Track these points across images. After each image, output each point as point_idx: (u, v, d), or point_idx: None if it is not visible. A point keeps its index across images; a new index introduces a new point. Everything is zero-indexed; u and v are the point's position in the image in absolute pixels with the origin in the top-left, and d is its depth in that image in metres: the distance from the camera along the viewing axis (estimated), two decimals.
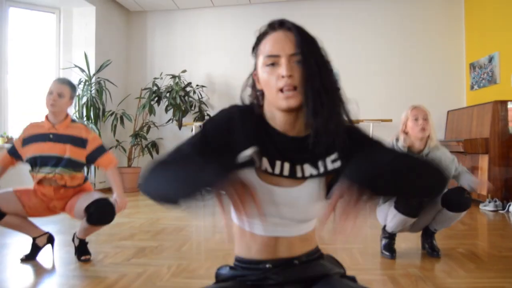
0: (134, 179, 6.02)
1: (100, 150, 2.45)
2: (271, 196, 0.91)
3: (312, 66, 0.86)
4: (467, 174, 2.41)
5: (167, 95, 5.94)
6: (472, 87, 5.54)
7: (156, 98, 6.05)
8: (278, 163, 0.92)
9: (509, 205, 4.03)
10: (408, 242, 2.74)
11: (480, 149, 4.41)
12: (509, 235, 3.04)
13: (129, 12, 6.70)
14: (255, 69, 0.97)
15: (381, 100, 5.76)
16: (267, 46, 0.91)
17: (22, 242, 2.74)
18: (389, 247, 2.44)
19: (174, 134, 6.42)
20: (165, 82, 6.17)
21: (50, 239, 2.52)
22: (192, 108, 6.07)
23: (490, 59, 5.04)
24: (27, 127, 2.43)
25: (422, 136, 2.39)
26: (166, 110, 6.03)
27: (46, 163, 2.32)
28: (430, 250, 2.46)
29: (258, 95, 0.99)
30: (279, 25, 0.92)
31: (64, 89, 2.35)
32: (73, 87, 2.44)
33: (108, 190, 6.00)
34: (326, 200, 0.97)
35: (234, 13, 6.34)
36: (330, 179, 0.97)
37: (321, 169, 0.93)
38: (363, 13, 6.04)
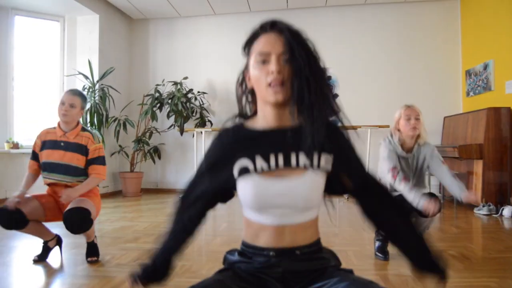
0: (137, 183, 6.14)
1: (98, 160, 2.53)
2: (273, 188, 1.00)
3: (299, 65, 0.96)
4: (455, 181, 2.48)
5: (169, 101, 6.07)
6: (468, 94, 5.66)
7: (158, 105, 6.18)
8: (272, 156, 1.01)
9: (503, 209, 4.14)
10: None
11: (474, 155, 4.53)
12: (500, 238, 3.15)
13: (131, 20, 6.84)
14: (246, 68, 1.07)
15: (379, 107, 5.89)
16: (259, 45, 1.00)
17: (27, 245, 2.86)
18: (382, 249, 2.56)
19: (175, 139, 6.55)
20: (167, 89, 6.31)
21: (59, 241, 2.64)
22: (194, 114, 6.19)
23: (485, 67, 5.17)
24: (42, 133, 2.57)
25: (413, 135, 2.54)
26: (168, 116, 6.15)
27: (55, 169, 2.45)
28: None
29: (247, 94, 1.09)
30: (271, 26, 1.02)
31: (75, 100, 2.50)
32: (84, 98, 2.59)
33: (111, 195, 6.12)
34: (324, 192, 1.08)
35: (234, 20, 6.48)
36: (329, 174, 1.06)
37: (315, 162, 1.01)
38: (361, 21, 6.18)
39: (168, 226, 1.13)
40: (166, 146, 6.63)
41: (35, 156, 2.55)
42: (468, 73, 5.63)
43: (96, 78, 5.77)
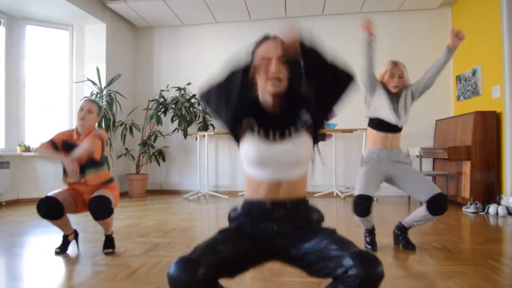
0: (142, 185, 6.40)
1: (91, 137, 2.75)
2: (271, 149, 1.31)
3: (292, 67, 1.30)
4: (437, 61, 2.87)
5: (173, 106, 6.32)
6: (458, 98, 5.93)
7: (163, 109, 6.44)
8: (271, 132, 1.33)
9: (488, 207, 4.39)
10: (389, 238, 3.09)
11: (463, 156, 4.79)
12: (482, 233, 3.40)
13: (137, 28, 7.12)
14: (252, 62, 1.35)
15: None
16: (262, 50, 1.32)
17: (40, 240, 3.13)
18: (371, 241, 2.82)
19: (179, 142, 6.81)
20: (171, 94, 6.57)
21: (76, 235, 2.91)
22: (197, 118, 6.44)
23: (474, 72, 5.43)
24: (60, 133, 2.84)
25: (394, 91, 2.80)
26: (172, 120, 6.41)
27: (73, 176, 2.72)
28: (406, 244, 2.83)
29: (252, 82, 1.37)
30: (272, 36, 1.35)
31: (93, 106, 2.80)
32: (100, 107, 2.91)
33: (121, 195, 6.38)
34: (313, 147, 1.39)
35: (235, 29, 6.76)
36: (312, 133, 1.38)
37: (300, 125, 1.34)
38: (357, 29, 6.39)
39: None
40: (170, 149, 6.90)
41: (52, 140, 2.78)
42: (459, 78, 5.90)
43: (103, 84, 6.04)
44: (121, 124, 6.25)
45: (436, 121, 5.99)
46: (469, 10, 5.65)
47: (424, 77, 2.86)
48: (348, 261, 1.13)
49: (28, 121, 5.86)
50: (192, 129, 6.46)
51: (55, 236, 3.07)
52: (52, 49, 6.22)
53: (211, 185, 6.57)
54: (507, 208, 4.30)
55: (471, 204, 4.52)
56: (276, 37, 1.33)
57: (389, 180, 2.81)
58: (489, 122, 4.76)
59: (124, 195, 6.48)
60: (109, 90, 6.08)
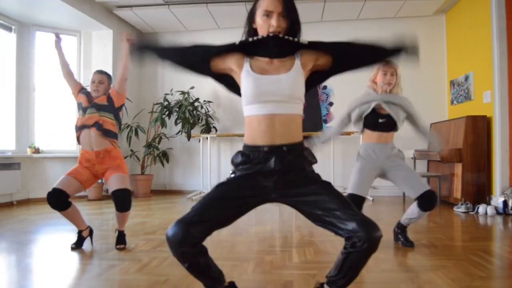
0: (147, 185, 6.63)
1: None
2: (267, 80, 1.49)
3: (291, 20, 1.50)
4: (431, 132, 2.85)
5: (177, 109, 6.52)
6: (452, 102, 6.15)
7: (167, 112, 6.64)
8: (267, 52, 1.55)
9: (478, 207, 4.60)
10: (384, 236, 3.32)
11: (454, 158, 5.01)
12: (469, 231, 3.62)
13: (142, 34, 7.33)
14: (252, 13, 1.56)
15: None
16: (265, 3, 1.48)
17: (51, 239, 3.36)
18: None
19: (183, 144, 7.05)
20: (175, 98, 6.79)
21: (91, 232, 3.13)
22: (200, 121, 6.66)
23: (466, 78, 5.65)
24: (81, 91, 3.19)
25: (385, 89, 2.89)
26: (176, 123, 6.63)
27: (90, 107, 3.03)
28: (405, 241, 3.01)
29: (251, 31, 1.61)
30: None
31: (103, 77, 3.13)
32: (109, 76, 3.20)
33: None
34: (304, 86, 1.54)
35: (237, 34, 6.91)
36: (308, 74, 1.57)
37: (298, 62, 1.55)
38: (354, 35, 6.64)
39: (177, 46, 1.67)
40: (174, 151, 7.13)
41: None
42: (452, 83, 6.12)
43: None
44: (127, 127, 6.47)
45: (431, 124, 6.20)
46: (462, 18, 5.87)
47: (413, 117, 2.96)
48: (354, 227, 1.34)
49: (38, 123, 6.09)
50: (195, 131, 6.66)
51: (67, 234, 3.30)
52: None
53: (213, 185, 6.74)
54: (496, 208, 4.51)
55: (462, 204, 4.74)
56: None
57: (383, 175, 2.96)
58: (480, 126, 4.97)
59: None
60: None
